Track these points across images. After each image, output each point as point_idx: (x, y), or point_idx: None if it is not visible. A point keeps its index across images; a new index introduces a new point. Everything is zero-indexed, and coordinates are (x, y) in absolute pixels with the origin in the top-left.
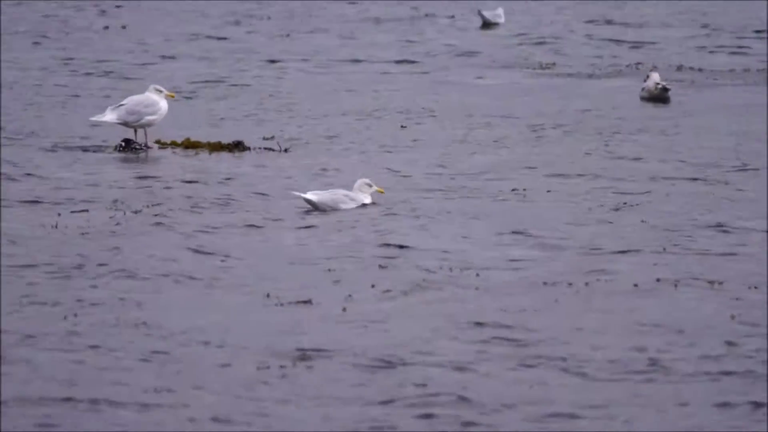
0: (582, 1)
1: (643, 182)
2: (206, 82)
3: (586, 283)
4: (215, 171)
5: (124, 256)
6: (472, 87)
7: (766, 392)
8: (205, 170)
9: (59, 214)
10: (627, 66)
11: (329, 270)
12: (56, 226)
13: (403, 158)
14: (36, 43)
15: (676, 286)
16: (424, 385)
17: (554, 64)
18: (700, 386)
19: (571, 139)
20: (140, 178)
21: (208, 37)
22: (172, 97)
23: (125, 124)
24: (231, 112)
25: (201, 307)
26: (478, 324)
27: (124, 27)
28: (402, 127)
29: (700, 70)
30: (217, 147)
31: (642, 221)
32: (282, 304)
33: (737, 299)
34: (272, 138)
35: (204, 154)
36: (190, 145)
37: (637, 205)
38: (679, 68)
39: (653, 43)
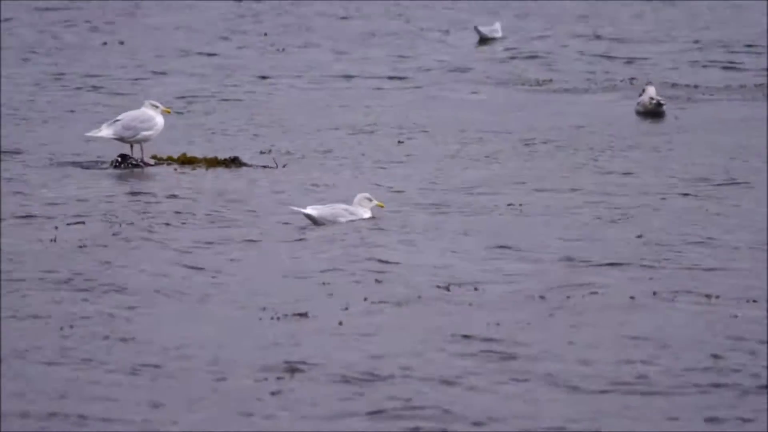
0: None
1: (634, 197)
2: (195, 96)
3: (575, 297)
4: (210, 186)
5: (115, 271)
6: (464, 102)
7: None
8: (200, 185)
9: (56, 227)
10: (621, 81)
11: (323, 283)
12: (55, 240)
13: (396, 173)
14: (25, 59)
15: (666, 300)
16: (410, 399)
17: (551, 80)
18: (689, 400)
19: (563, 154)
20: (134, 193)
21: (199, 53)
22: (168, 112)
23: (121, 139)
24: (221, 126)
25: (194, 319)
26: (465, 337)
27: (122, 43)
28: (399, 142)
29: (695, 86)
30: (213, 162)
31: (638, 236)
32: (276, 318)
33: (727, 314)
34: (269, 152)
35: (200, 170)
36: (186, 160)
37: (629, 218)
38: (674, 85)
39: (645, 58)
